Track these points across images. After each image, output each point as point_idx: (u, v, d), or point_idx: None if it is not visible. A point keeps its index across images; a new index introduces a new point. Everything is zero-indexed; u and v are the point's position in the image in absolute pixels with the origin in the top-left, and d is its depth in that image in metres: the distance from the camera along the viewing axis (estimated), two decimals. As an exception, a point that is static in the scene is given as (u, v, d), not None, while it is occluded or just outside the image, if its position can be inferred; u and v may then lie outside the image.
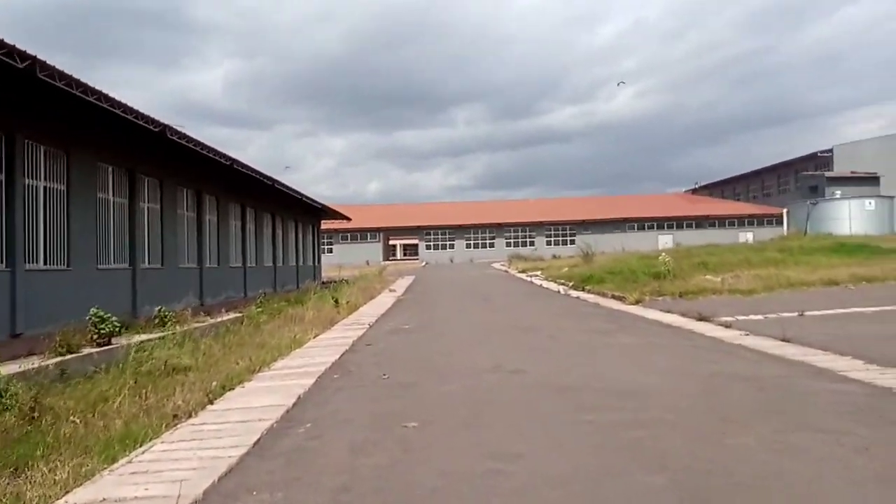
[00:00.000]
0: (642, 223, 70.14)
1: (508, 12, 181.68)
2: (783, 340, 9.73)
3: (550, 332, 11.67)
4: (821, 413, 5.51)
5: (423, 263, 63.42)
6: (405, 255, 76.80)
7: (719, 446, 4.68)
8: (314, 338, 12.25)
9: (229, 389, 7.60)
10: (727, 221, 69.21)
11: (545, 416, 5.71)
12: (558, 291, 22.51)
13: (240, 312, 17.88)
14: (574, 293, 21.07)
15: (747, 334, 10.56)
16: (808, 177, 58.17)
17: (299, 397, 7.06)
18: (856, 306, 13.52)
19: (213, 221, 21.55)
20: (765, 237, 41.77)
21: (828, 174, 55.22)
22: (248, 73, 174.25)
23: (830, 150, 63.90)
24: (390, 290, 25.12)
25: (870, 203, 34.99)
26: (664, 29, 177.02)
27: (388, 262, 63.51)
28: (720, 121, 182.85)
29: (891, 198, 36.30)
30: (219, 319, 15.87)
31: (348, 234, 69.29)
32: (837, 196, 39.27)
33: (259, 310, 17.49)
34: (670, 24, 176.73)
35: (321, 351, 10.53)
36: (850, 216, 33.62)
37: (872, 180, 52.36)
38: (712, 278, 19.46)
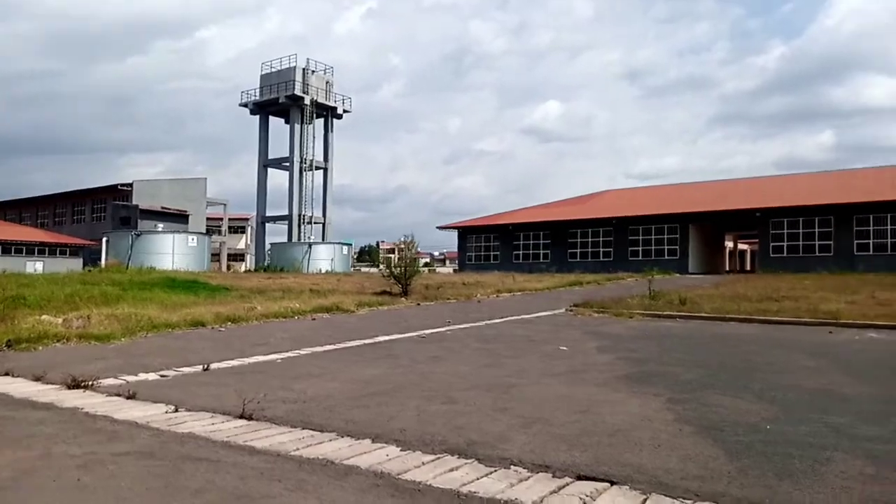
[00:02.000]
0: None
1: None
2: (246, 418, 6.70)
3: None
4: None
5: None
6: None
7: None
8: None
9: None
10: (14, 248, 59.63)
11: None
12: None
13: None
14: None
15: (183, 410, 7.08)
16: (122, 207, 55.56)
17: None
18: (254, 355, 11.45)
19: None
20: (58, 268, 37.75)
21: (142, 207, 53.86)
22: None
23: (131, 185, 64.72)
24: None
25: (192, 239, 34.98)
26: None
27: None
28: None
29: (208, 234, 37.49)
30: None
31: None
32: (160, 229, 38.12)
33: None
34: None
35: None
36: (173, 250, 32.73)
37: (183, 217, 53.93)
38: (52, 319, 14.33)
